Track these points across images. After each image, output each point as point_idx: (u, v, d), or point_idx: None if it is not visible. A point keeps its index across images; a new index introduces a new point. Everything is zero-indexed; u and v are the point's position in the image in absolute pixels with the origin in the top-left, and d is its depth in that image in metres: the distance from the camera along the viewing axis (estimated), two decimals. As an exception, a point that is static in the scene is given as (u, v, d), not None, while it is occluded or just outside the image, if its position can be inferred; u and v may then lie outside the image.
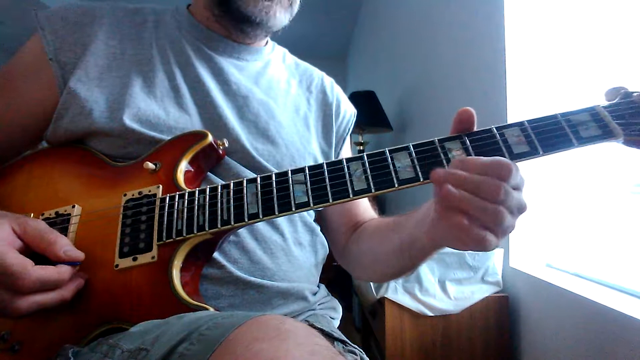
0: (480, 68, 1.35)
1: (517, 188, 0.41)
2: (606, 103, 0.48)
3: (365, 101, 2.33)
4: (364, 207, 0.76)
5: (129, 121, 0.56)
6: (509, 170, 0.40)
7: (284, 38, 0.75)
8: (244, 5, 0.62)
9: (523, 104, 1.14)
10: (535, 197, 1.11)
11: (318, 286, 0.71)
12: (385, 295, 1.08)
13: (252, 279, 0.56)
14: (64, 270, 0.46)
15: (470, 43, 1.44)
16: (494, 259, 1.11)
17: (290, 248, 0.62)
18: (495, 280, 1.11)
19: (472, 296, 1.09)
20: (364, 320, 1.65)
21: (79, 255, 0.48)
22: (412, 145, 0.47)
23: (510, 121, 0.47)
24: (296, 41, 0.80)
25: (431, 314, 1.07)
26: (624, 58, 0.92)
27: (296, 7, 0.68)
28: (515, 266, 1.12)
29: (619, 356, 0.76)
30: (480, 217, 0.39)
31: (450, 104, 1.63)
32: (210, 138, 0.56)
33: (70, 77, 0.59)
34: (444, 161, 0.46)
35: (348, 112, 0.80)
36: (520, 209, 0.41)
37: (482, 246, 0.40)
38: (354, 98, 2.29)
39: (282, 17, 0.65)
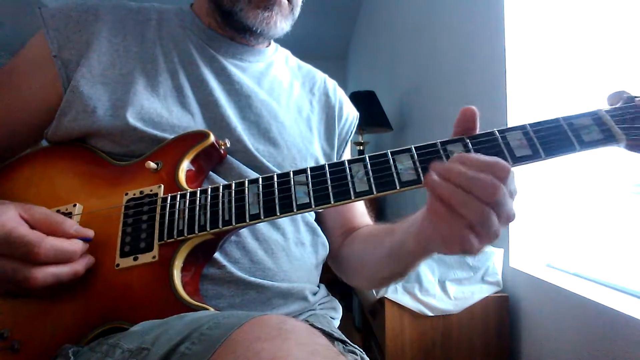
0: (480, 68, 1.35)
1: (510, 195, 0.40)
2: (608, 107, 0.47)
3: (365, 101, 2.32)
4: (360, 212, 0.75)
5: (132, 119, 0.56)
6: (508, 172, 0.39)
7: (284, 38, 0.75)
8: (245, 17, 0.63)
9: (523, 103, 1.14)
10: (535, 197, 1.10)
11: (318, 286, 0.71)
12: (385, 295, 1.08)
13: (253, 279, 0.56)
14: (77, 242, 0.47)
15: (470, 43, 1.44)
16: (494, 259, 1.11)
17: (292, 248, 0.62)
18: (495, 280, 1.11)
19: (472, 296, 1.08)
20: (364, 320, 1.65)
21: (89, 231, 0.49)
22: (414, 147, 0.47)
23: (510, 121, 0.47)
24: (296, 41, 0.80)
25: (431, 314, 1.07)
26: (625, 57, 0.92)
27: (297, 11, 0.68)
28: (515, 266, 1.12)
29: (619, 356, 0.76)
30: (467, 215, 0.38)
31: (450, 104, 1.63)
32: (212, 138, 0.56)
33: (73, 74, 0.59)
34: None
35: (351, 114, 0.80)
36: (509, 217, 0.40)
37: (464, 247, 0.39)
38: (354, 98, 2.29)
39: (283, 25, 0.66)
